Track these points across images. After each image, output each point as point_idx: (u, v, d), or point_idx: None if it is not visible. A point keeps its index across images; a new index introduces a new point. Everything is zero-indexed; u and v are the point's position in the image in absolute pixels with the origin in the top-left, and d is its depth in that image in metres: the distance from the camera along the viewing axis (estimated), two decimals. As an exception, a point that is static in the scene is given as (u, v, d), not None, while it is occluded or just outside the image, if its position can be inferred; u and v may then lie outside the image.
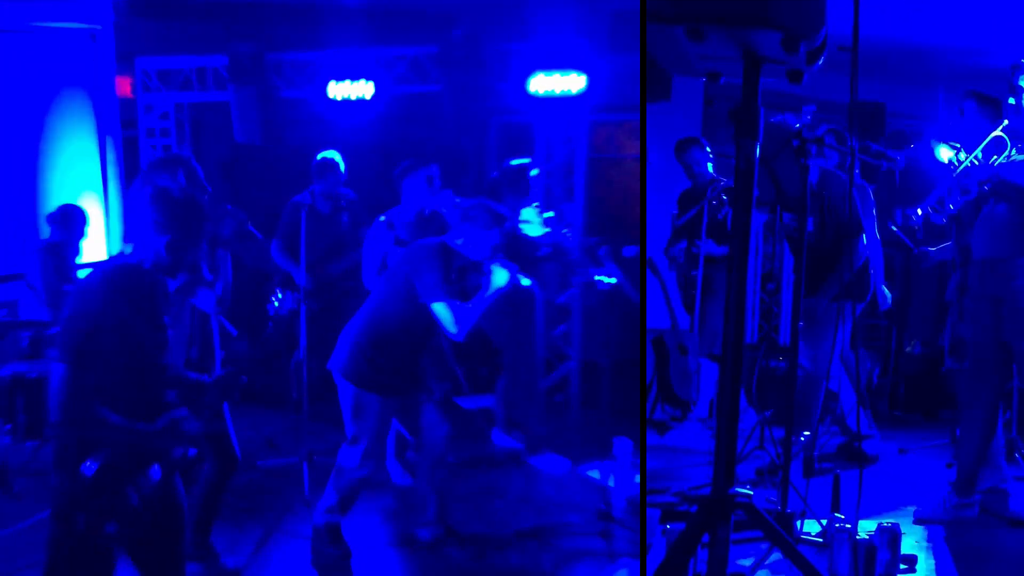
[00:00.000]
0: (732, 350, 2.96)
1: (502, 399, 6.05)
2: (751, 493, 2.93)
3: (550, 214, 5.89)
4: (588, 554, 4.60)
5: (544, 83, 6.32)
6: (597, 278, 6.06)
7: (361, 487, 4.34)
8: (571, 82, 6.29)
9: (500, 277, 4.17)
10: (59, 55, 6.57)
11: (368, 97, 6.75)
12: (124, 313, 2.78)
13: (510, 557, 4.55)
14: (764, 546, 3.92)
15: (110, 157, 6.89)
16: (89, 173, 6.72)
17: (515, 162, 5.86)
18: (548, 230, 5.68)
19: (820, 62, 2.82)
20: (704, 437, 6.17)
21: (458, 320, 4.09)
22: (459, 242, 4.22)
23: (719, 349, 6.07)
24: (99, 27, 6.70)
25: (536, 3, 7.78)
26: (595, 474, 5.52)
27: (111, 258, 2.96)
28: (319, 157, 6.15)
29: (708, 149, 6.34)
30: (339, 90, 6.78)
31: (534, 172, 5.70)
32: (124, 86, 7.35)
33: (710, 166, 6.36)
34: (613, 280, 6.03)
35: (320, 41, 7.05)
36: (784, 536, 3.05)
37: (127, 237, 2.92)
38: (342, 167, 6.14)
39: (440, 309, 4.10)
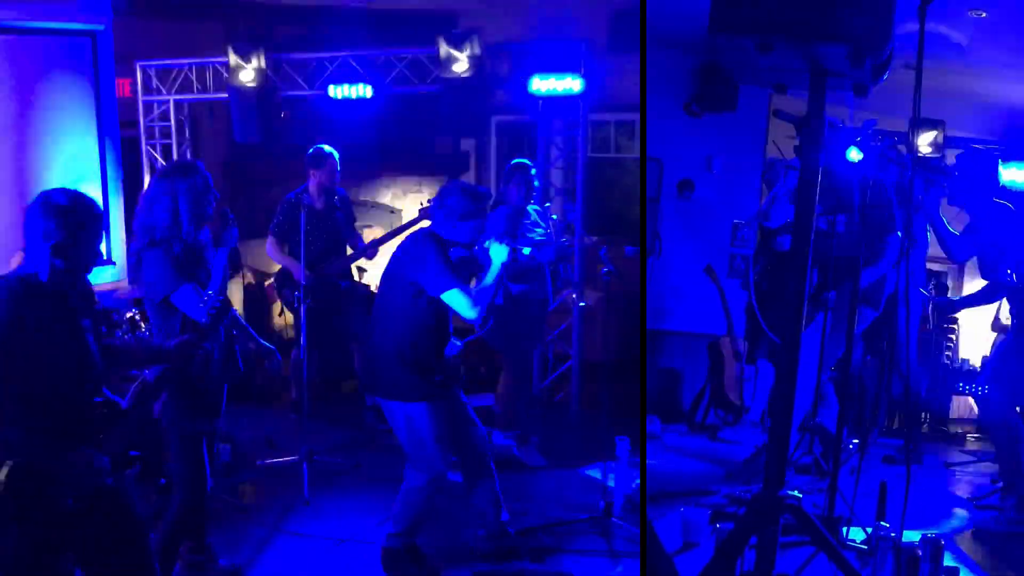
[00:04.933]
0: (788, 355, 2.99)
1: (502, 398, 6.06)
2: (800, 496, 2.95)
3: (548, 205, 5.93)
4: (588, 554, 4.60)
5: (544, 83, 6.33)
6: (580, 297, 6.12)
7: (431, 505, 4.23)
8: (571, 82, 6.30)
9: (500, 253, 4.10)
10: (59, 55, 6.57)
11: (368, 97, 6.77)
12: (25, 325, 2.71)
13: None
14: (803, 552, 3.88)
15: (110, 158, 6.88)
16: (89, 174, 6.71)
17: (516, 161, 5.88)
18: (544, 225, 5.72)
19: (885, 77, 2.89)
20: (756, 441, 6.18)
21: (475, 302, 3.96)
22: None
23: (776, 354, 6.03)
24: (99, 27, 6.69)
25: (537, 3, 7.79)
26: (595, 474, 5.52)
27: (8, 273, 2.90)
28: (315, 148, 6.22)
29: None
30: (339, 90, 6.79)
31: (532, 171, 5.74)
32: (124, 86, 7.35)
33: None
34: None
35: (320, 41, 7.05)
36: (830, 541, 3.06)
37: (26, 252, 2.87)
38: (337, 160, 6.21)
39: (453, 296, 3.96)
